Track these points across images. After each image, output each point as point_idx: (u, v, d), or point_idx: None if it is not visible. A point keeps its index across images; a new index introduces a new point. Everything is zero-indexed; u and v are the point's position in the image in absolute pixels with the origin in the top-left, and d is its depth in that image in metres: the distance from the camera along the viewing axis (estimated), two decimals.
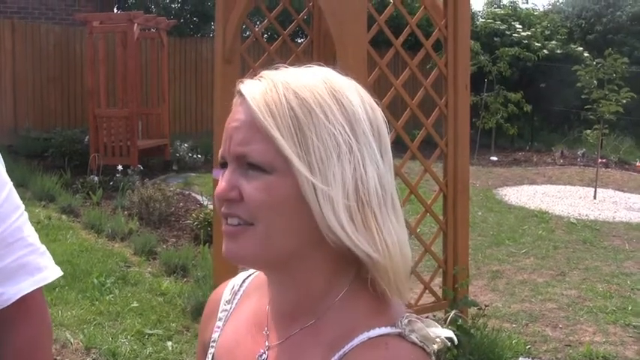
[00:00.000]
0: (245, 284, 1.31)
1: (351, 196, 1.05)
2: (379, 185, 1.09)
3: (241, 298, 1.29)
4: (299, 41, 15.14)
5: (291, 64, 1.15)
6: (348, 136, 1.07)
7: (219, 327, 1.28)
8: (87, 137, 12.89)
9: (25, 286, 1.65)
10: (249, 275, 1.33)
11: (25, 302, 1.65)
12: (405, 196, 5.24)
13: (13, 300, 1.63)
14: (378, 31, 4.86)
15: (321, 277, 1.12)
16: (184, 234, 8.68)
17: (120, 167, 11.46)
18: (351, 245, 1.06)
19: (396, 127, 4.94)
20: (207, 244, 7.59)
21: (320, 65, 1.15)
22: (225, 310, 1.29)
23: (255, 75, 1.12)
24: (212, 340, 1.27)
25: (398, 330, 1.08)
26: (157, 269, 7.26)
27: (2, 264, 1.61)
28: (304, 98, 1.06)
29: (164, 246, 8.12)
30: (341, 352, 1.08)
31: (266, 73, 1.11)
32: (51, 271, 1.72)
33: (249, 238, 1.08)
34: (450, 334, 1.10)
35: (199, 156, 13.78)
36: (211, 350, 1.26)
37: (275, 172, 1.05)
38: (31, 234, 1.69)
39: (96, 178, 11.13)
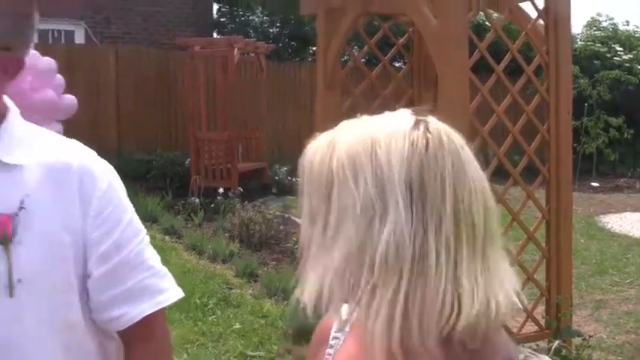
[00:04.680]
0: (355, 314, 1.31)
1: (352, 260, 1.10)
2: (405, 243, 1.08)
3: (351, 328, 1.30)
4: (396, 65, 15.15)
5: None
6: (372, 199, 1.10)
7: (330, 354, 1.29)
8: (188, 159, 13.17)
9: (147, 307, 1.72)
10: None
11: (146, 324, 1.72)
12: (507, 223, 5.19)
13: (136, 320, 1.70)
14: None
15: None
16: (284, 257, 8.72)
17: (221, 190, 11.63)
18: None
19: (497, 154, 4.92)
20: None
21: (415, 110, 1.18)
22: (337, 338, 1.30)
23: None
24: None
25: None
26: (258, 291, 7.33)
27: (126, 286, 1.69)
28: (343, 163, 1.16)
29: (265, 268, 8.20)
30: None
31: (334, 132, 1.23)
32: (172, 293, 1.79)
33: None
34: None
35: (298, 179, 13.82)
36: None
37: None
38: (151, 257, 1.77)
39: (197, 200, 11.32)
